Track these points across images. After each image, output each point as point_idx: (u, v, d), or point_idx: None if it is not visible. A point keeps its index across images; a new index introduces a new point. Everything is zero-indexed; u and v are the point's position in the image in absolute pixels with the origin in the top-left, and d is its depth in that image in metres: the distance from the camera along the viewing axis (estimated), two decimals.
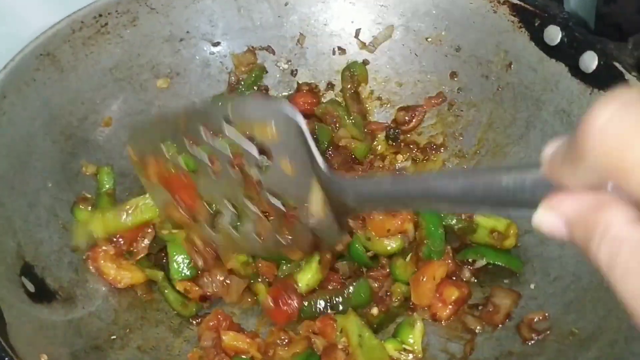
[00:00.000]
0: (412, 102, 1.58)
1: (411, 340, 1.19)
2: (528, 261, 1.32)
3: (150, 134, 1.04)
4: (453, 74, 1.54)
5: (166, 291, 1.25)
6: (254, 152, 0.89)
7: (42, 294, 1.15)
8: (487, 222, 1.35)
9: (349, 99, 1.57)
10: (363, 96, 1.59)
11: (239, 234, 1.01)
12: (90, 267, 1.26)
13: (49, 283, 1.19)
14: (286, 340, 1.18)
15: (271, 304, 1.21)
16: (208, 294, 1.24)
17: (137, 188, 1.40)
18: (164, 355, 1.20)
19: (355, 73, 1.57)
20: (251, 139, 0.88)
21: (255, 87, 1.55)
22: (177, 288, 1.24)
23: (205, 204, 1.02)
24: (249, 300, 1.28)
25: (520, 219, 0.58)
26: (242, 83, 1.54)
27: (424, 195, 0.74)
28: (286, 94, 1.59)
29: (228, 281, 1.23)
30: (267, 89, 1.56)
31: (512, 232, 1.34)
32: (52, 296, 1.17)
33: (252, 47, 1.57)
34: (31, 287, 1.14)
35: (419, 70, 1.57)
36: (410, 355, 1.18)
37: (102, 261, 1.26)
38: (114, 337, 1.19)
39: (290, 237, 0.96)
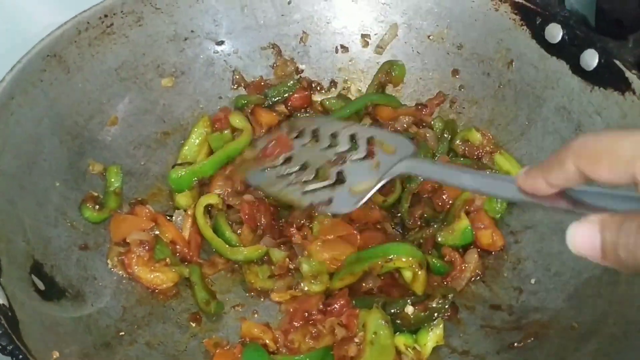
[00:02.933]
0: (414, 99, 1.59)
1: (423, 343, 1.21)
2: (529, 257, 1.34)
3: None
4: (455, 72, 1.55)
5: (196, 287, 1.29)
6: (362, 152, 1.27)
7: (52, 292, 1.17)
8: (504, 164, 1.43)
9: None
10: None
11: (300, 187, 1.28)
12: (123, 274, 1.29)
13: (58, 281, 1.20)
14: (314, 333, 1.22)
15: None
16: None
17: (142, 187, 1.44)
18: (172, 351, 1.22)
19: (394, 72, 1.57)
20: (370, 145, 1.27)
21: (283, 96, 1.56)
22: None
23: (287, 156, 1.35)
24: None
25: None
26: (272, 89, 1.56)
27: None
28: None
29: None
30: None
31: None
32: (62, 294, 1.18)
33: (293, 59, 1.60)
34: (41, 285, 1.15)
35: (421, 68, 1.59)
36: (414, 353, 1.20)
37: (136, 267, 1.28)
38: (122, 333, 1.21)
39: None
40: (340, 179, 1.25)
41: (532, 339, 1.19)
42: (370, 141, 1.28)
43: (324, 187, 1.25)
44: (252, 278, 1.32)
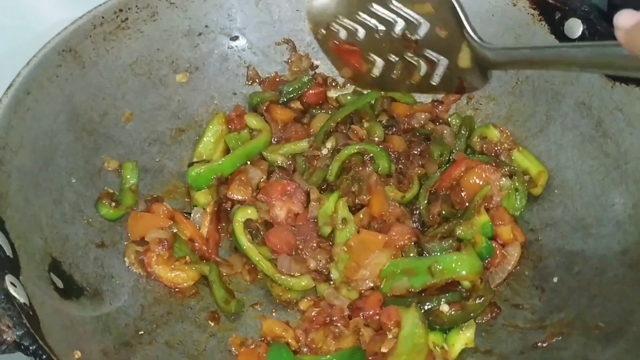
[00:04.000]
0: (430, 96, 1.57)
1: (452, 344, 1.20)
2: (550, 254, 1.32)
3: (325, 11, 1.27)
4: None
5: (214, 285, 1.27)
6: (416, 19, 1.17)
7: (71, 290, 1.15)
8: (522, 162, 1.41)
9: None
10: None
11: (397, 77, 1.25)
12: (140, 272, 1.28)
13: (77, 279, 1.19)
14: (336, 333, 1.20)
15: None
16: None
17: (157, 184, 1.43)
18: (192, 350, 1.20)
19: None
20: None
21: (298, 93, 1.54)
22: None
23: (368, 58, 1.27)
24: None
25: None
26: (287, 86, 1.54)
27: (558, 59, 1.01)
28: None
29: None
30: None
31: (541, 181, 1.38)
32: (80, 292, 1.17)
33: (308, 54, 1.58)
34: (60, 284, 1.14)
35: None
36: (441, 353, 1.19)
37: (156, 266, 1.27)
38: (141, 332, 1.20)
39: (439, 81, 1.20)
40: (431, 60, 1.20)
41: (557, 338, 1.18)
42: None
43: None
44: (280, 291, 1.30)
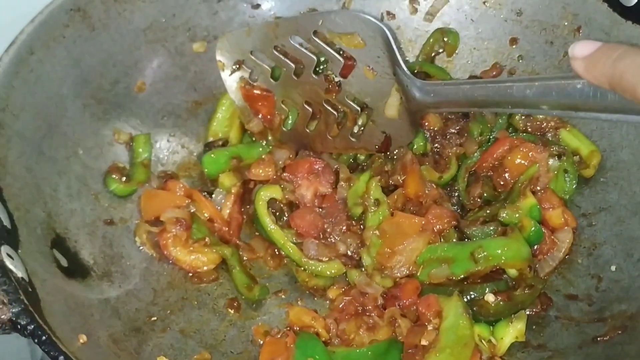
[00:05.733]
0: (467, 71, 1.46)
1: (500, 337, 1.09)
2: (606, 241, 1.21)
3: (238, 43, 1.26)
4: (513, 41, 1.42)
5: (235, 270, 1.18)
6: (340, 58, 1.14)
7: (76, 269, 1.07)
8: (572, 141, 1.30)
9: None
10: None
11: (312, 131, 1.24)
12: (152, 253, 1.20)
13: (83, 257, 1.11)
14: (370, 324, 1.12)
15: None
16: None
17: (172, 160, 1.33)
18: (210, 340, 1.12)
19: (447, 41, 1.44)
20: (337, 49, 1.14)
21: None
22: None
23: (282, 107, 1.26)
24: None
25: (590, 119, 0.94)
26: None
27: (501, 98, 0.97)
28: None
29: None
30: None
31: (593, 161, 1.27)
32: (87, 272, 1.09)
33: None
34: (64, 262, 1.05)
35: (475, 37, 1.45)
36: (488, 347, 1.08)
37: (172, 248, 1.18)
38: (154, 318, 1.11)
39: (360, 136, 1.20)
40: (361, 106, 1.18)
41: (619, 332, 1.07)
42: (329, 42, 1.16)
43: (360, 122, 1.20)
44: (306, 277, 1.21)
